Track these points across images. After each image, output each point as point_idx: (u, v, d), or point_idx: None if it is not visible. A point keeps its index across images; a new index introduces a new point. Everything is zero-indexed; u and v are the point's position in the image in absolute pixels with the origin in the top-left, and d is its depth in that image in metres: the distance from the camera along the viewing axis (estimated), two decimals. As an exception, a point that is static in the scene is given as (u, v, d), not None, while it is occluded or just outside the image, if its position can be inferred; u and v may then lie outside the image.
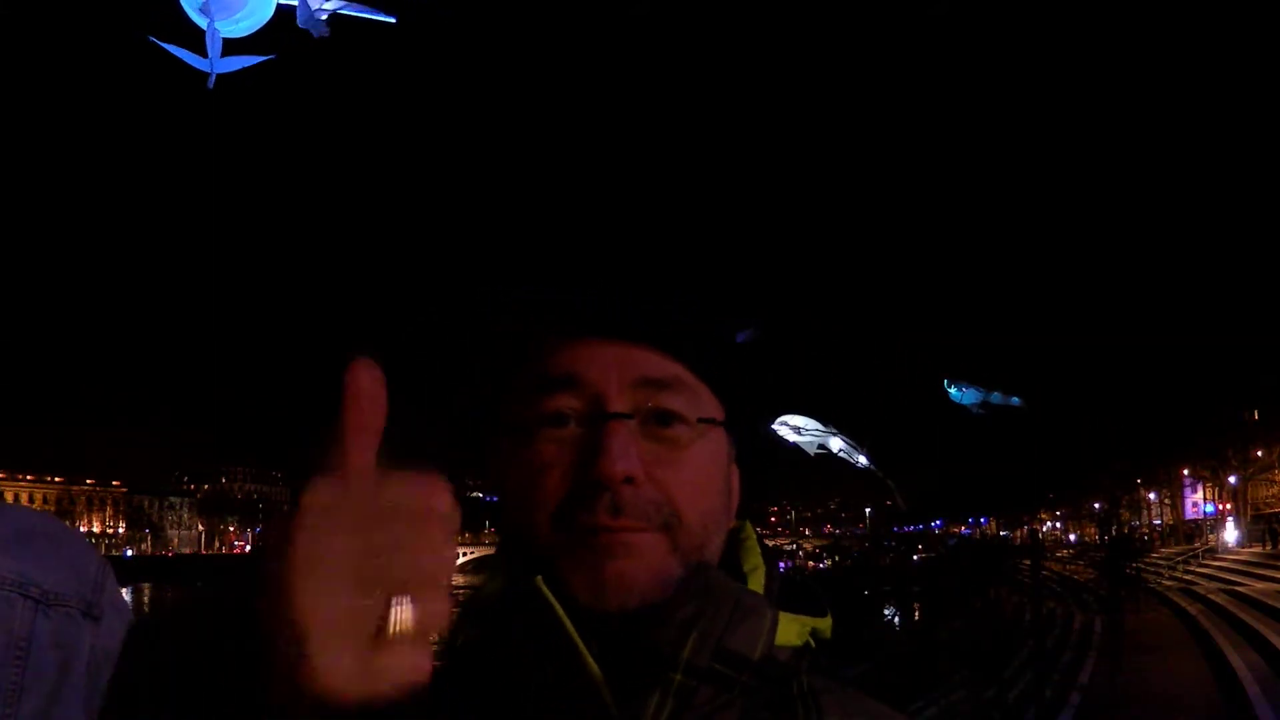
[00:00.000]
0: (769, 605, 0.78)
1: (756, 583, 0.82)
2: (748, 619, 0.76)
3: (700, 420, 0.81)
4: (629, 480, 0.76)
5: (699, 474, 0.80)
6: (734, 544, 0.86)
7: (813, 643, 0.81)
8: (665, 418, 0.80)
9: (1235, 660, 14.63)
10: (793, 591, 0.85)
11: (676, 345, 0.82)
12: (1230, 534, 48.81)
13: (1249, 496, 50.07)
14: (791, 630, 0.79)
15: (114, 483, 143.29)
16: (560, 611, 0.74)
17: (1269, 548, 38.50)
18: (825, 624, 0.82)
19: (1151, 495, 65.09)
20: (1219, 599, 23.57)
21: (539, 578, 0.75)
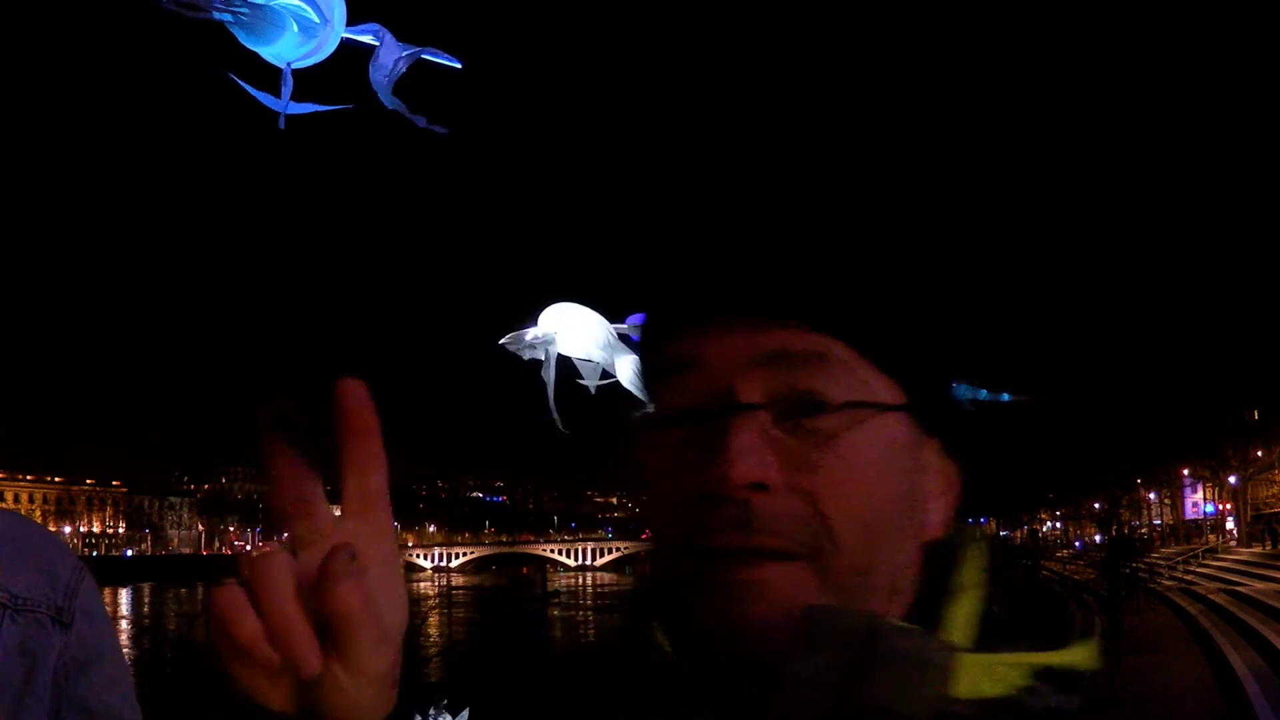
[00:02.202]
0: (941, 646, 0.61)
1: (964, 607, 0.64)
2: (894, 668, 0.59)
3: (858, 405, 0.63)
4: (759, 487, 0.61)
5: (859, 476, 0.63)
6: (942, 558, 0.68)
7: (1039, 686, 0.61)
8: (810, 405, 0.63)
9: (1235, 660, 14.60)
10: (1038, 613, 0.66)
11: (821, 312, 0.64)
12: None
13: (1249, 496, 50.05)
14: (984, 677, 0.60)
15: (114, 483, 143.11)
16: (674, 661, 0.64)
17: (1269, 547, 38.48)
18: (1068, 657, 0.63)
19: (1151, 495, 65.05)
20: (1219, 599, 23.53)
21: (657, 628, 0.65)
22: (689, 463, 0.63)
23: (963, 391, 0.66)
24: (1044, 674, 0.62)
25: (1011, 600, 0.66)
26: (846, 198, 0.68)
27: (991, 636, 0.63)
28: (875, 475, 0.63)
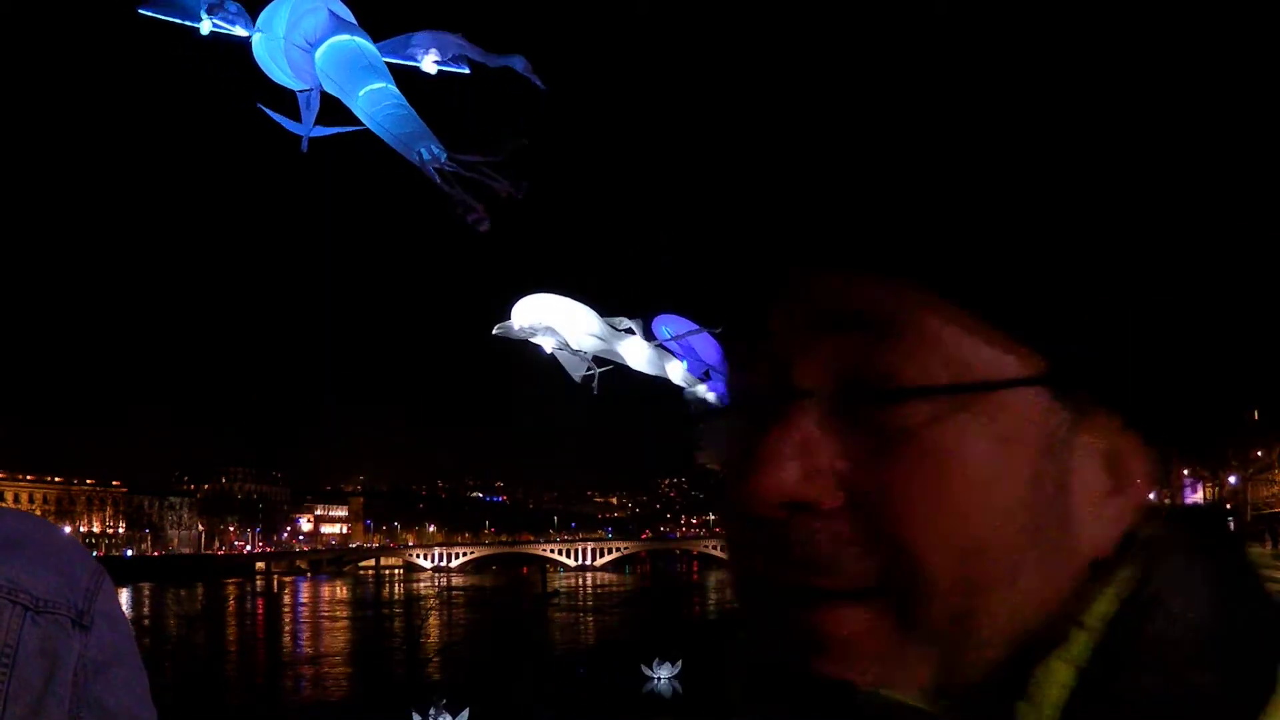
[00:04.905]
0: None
1: (1058, 669, 0.44)
2: None
3: (958, 389, 0.45)
4: (801, 507, 0.46)
5: (957, 484, 0.45)
6: (1111, 585, 0.47)
7: None
8: (887, 390, 0.45)
9: (1236, 660, 14.64)
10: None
11: (919, 258, 0.45)
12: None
13: (1249, 496, 50.18)
14: None
15: (114, 483, 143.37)
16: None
17: (1269, 548, 38.54)
18: None
19: (1151, 495, 65.10)
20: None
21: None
22: (736, 469, 0.47)
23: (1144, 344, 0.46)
24: None
25: (1176, 652, 0.43)
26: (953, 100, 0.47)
27: (1096, 717, 0.43)
28: (981, 481, 0.45)
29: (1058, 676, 0.43)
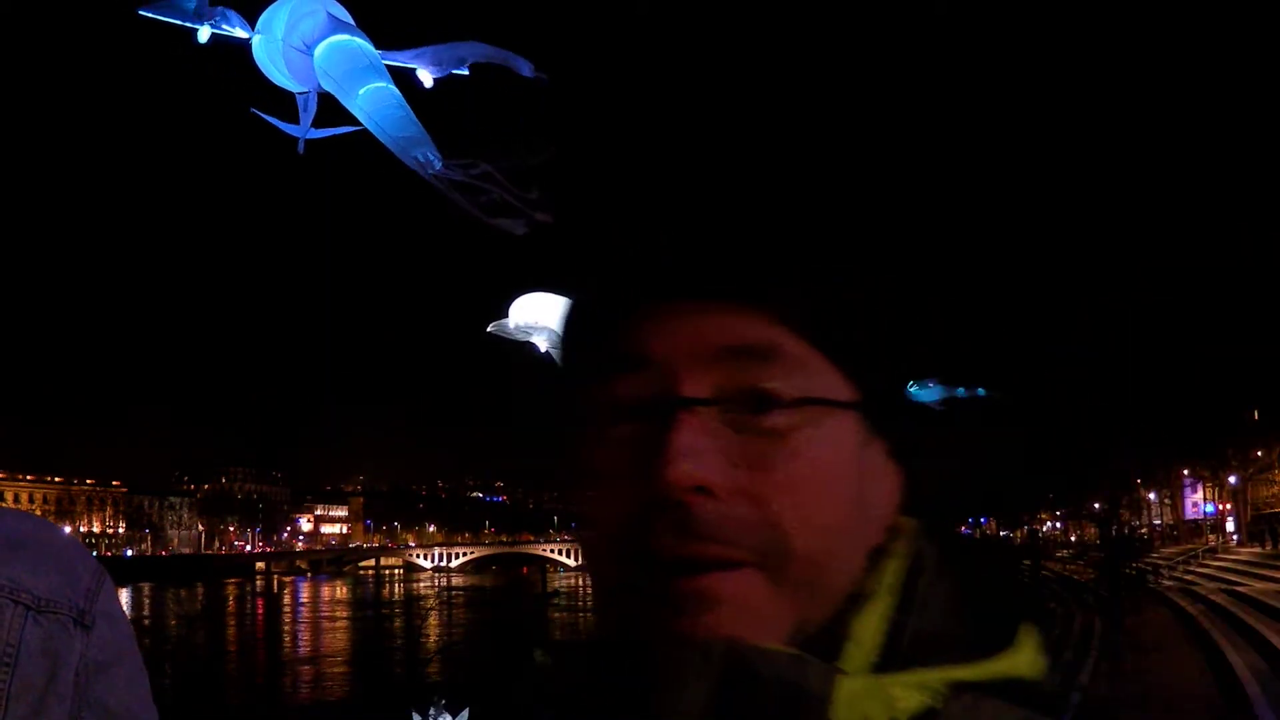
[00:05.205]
0: (820, 671, 0.55)
1: (868, 622, 0.59)
2: (769, 697, 0.54)
3: (811, 401, 0.59)
4: (702, 490, 0.57)
5: (811, 475, 0.59)
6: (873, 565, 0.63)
7: (938, 706, 0.56)
8: (760, 401, 0.59)
9: (1235, 660, 14.63)
10: (979, 619, 0.60)
11: (774, 301, 0.60)
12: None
13: (1249, 496, 50.13)
14: (878, 699, 0.55)
15: (114, 483, 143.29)
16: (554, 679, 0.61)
17: (1269, 548, 38.52)
18: (995, 668, 0.57)
19: (1151, 495, 65.14)
20: (1219, 599, 23.57)
21: (538, 652, 0.63)
22: (630, 463, 0.59)
23: (916, 391, 0.66)
24: (959, 687, 0.56)
25: (938, 608, 0.60)
26: (805, 185, 0.66)
27: (899, 652, 0.58)
28: (828, 476, 0.59)
29: (871, 623, 0.58)
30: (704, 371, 0.59)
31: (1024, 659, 0.58)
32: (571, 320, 0.67)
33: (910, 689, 0.55)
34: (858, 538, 0.61)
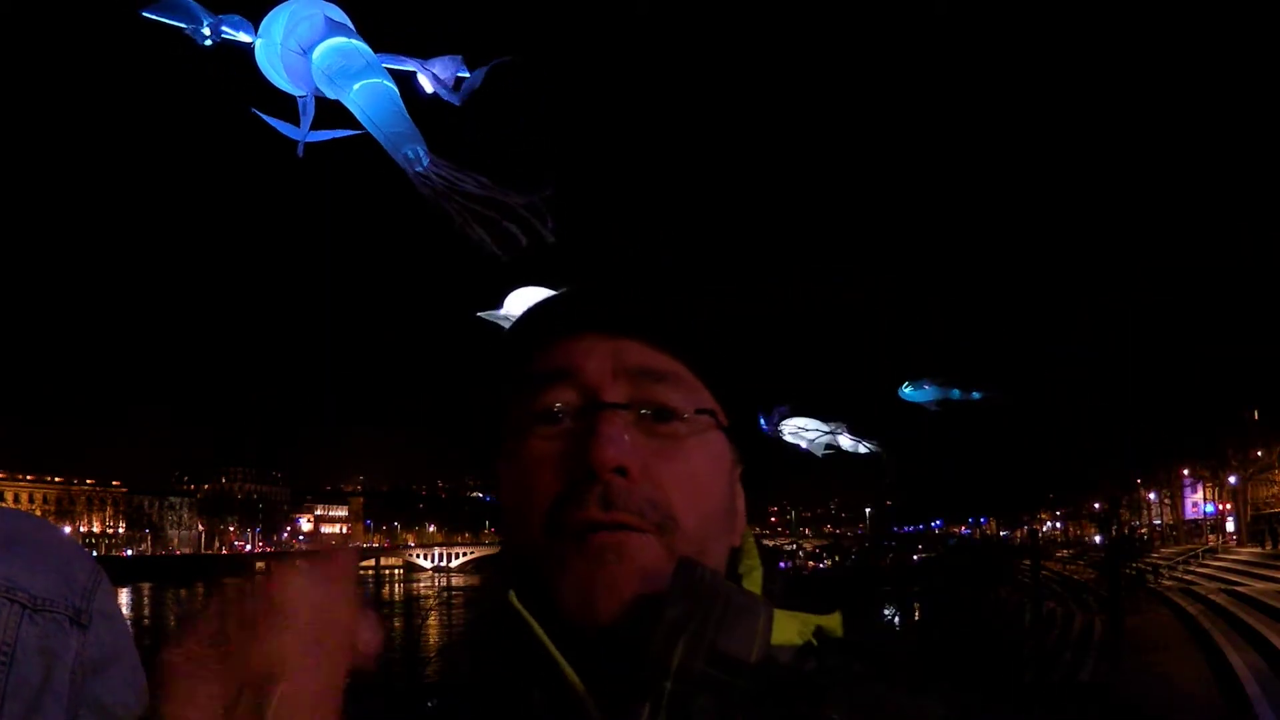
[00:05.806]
0: (763, 603, 0.73)
1: (753, 583, 0.79)
2: (741, 618, 0.70)
3: (698, 412, 0.77)
4: (621, 471, 0.73)
5: (698, 474, 0.76)
6: (735, 559, 0.82)
7: (815, 641, 0.75)
8: (662, 412, 0.76)
9: (1235, 660, 14.61)
10: (795, 590, 0.80)
11: (672, 338, 0.79)
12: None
13: (1249, 496, 50.06)
14: (791, 628, 0.73)
15: (114, 483, 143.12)
16: (535, 626, 0.71)
17: (1269, 548, 38.47)
18: (830, 621, 0.77)
19: (1151, 495, 65.06)
20: (1219, 599, 23.54)
21: (511, 593, 0.73)
22: (563, 450, 0.75)
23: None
24: (819, 631, 0.75)
25: (781, 576, 0.82)
26: (706, 245, 0.84)
27: (779, 601, 0.76)
28: (709, 478, 0.77)
29: (754, 586, 0.79)
30: (622, 385, 0.76)
31: (838, 619, 0.77)
32: (509, 340, 0.83)
33: (802, 622, 0.75)
34: (726, 532, 0.79)
